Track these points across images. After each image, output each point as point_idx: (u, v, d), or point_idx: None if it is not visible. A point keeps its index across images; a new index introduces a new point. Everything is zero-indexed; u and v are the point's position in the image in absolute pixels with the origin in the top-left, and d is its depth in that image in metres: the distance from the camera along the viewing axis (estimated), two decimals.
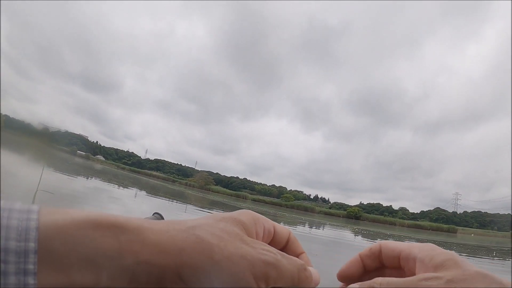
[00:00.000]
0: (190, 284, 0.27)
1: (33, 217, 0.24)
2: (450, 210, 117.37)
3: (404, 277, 0.33)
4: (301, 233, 19.32)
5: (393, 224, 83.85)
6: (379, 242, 0.41)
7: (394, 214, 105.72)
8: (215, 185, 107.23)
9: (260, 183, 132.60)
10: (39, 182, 6.13)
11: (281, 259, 0.31)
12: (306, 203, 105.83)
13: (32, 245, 0.23)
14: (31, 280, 0.23)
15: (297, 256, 0.40)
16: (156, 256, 0.27)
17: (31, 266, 0.23)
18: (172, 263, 0.27)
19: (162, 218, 0.88)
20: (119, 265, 0.25)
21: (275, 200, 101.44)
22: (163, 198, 24.42)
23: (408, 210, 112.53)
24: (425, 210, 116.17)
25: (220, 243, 0.28)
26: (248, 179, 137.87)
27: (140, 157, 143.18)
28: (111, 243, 0.26)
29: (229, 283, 0.27)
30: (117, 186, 24.72)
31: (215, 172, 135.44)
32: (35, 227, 0.24)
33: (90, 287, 0.24)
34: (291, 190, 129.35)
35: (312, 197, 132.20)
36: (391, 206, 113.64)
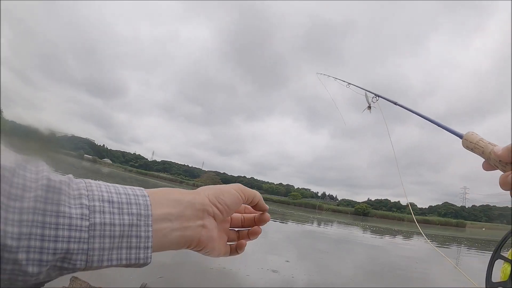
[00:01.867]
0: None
1: (148, 200, 0.46)
2: (459, 205, 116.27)
3: None
4: (310, 231, 19.25)
5: (401, 219, 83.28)
6: None
7: (402, 209, 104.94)
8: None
9: (267, 182, 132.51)
10: None
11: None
12: (313, 201, 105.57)
13: (150, 212, 0.44)
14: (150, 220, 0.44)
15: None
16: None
17: (150, 221, 0.44)
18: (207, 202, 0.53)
19: None
20: (193, 204, 0.51)
21: (283, 198, 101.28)
22: None
23: (416, 205, 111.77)
24: (433, 205, 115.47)
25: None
26: (255, 178, 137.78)
27: (147, 159, 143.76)
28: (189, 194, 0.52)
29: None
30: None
31: (222, 172, 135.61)
32: (150, 204, 0.45)
33: (175, 215, 0.48)
34: (298, 188, 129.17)
35: (319, 194, 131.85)
36: (399, 201, 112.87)
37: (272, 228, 16.85)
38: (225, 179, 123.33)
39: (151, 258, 0.45)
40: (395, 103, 1.07)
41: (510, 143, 0.58)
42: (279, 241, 12.35)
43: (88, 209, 0.39)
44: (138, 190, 0.47)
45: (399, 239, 22.24)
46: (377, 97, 1.34)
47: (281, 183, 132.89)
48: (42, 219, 0.35)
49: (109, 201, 0.42)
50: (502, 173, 0.59)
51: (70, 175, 0.43)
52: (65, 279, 3.33)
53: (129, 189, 0.46)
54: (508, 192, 0.53)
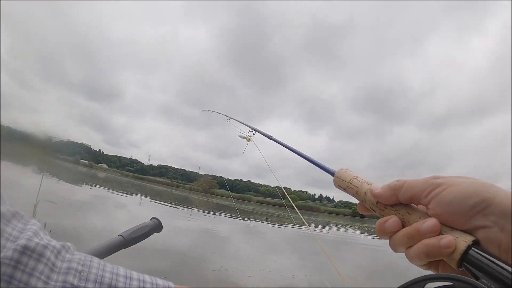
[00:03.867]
0: None
1: None
2: None
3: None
4: (308, 233, 19.22)
5: None
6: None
7: None
8: (219, 188, 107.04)
9: (264, 185, 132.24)
10: (38, 192, 6.12)
11: None
12: (311, 203, 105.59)
13: None
14: None
15: None
16: None
17: None
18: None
19: (159, 222, 0.87)
20: None
21: (280, 201, 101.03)
22: (168, 203, 24.35)
23: None
24: None
25: None
26: (252, 181, 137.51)
27: (143, 163, 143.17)
28: None
29: None
30: (121, 193, 24.69)
31: (218, 175, 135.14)
32: None
33: None
34: (295, 190, 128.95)
35: (316, 196, 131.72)
36: None
37: (271, 231, 16.83)
38: (222, 182, 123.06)
39: None
40: (269, 137, 1.03)
41: (391, 182, 0.46)
42: (278, 243, 12.34)
43: None
44: (162, 281, 0.33)
45: None
46: (253, 131, 1.35)
47: (278, 186, 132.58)
48: (4, 286, 0.26)
49: (110, 286, 0.30)
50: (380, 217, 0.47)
51: (70, 244, 0.33)
52: None
53: (147, 277, 0.33)
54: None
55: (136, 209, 15.93)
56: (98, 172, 74.27)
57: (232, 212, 28.64)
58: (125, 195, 24.00)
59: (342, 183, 0.54)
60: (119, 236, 0.78)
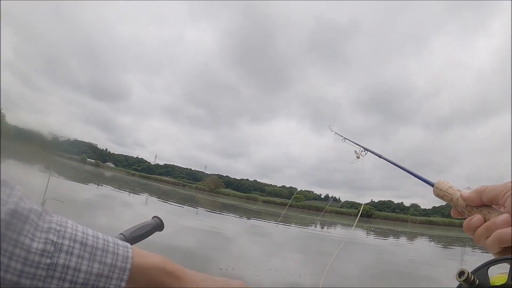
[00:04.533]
0: None
1: (130, 252, 0.41)
2: None
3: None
4: (314, 232, 19.20)
5: (405, 221, 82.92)
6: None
7: (405, 211, 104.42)
8: (225, 188, 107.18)
9: (270, 185, 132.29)
10: (45, 191, 6.16)
11: None
12: (317, 203, 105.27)
13: (128, 266, 0.40)
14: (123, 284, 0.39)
15: None
16: None
17: (125, 276, 0.39)
18: None
19: (160, 221, 0.86)
20: None
21: (286, 201, 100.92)
22: (174, 202, 24.42)
23: (419, 206, 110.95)
24: (437, 205, 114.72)
25: None
26: (258, 181, 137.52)
27: (149, 162, 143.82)
28: (173, 283, 0.44)
29: None
30: (128, 192, 24.80)
31: (225, 175, 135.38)
32: (131, 257, 0.41)
33: None
34: (301, 190, 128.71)
35: (322, 196, 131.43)
36: (402, 203, 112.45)
37: (278, 231, 16.82)
38: (228, 182, 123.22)
39: None
40: (380, 156, 1.09)
41: (477, 187, 0.56)
42: (285, 243, 12.32)
43: (54, 246, 0.35)
44: (122, 242, 0.42)
45: (403, 241, 22.15)
46: (365, 151, 1.45)
47: (284, 186, 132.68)
48: None
49: (81, 243, 0.37)
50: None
51: (47, 208, 0.39)
52: None
53: (110, 237, 0.42)
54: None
55: (141, 208, 15.99)
56: (104, 171, 74.73)
57: (237, 211, 28.57)
58: (131, 194, 24.12)
59: (440, 192, 0.65)
60: (121, 234, 0.77)
